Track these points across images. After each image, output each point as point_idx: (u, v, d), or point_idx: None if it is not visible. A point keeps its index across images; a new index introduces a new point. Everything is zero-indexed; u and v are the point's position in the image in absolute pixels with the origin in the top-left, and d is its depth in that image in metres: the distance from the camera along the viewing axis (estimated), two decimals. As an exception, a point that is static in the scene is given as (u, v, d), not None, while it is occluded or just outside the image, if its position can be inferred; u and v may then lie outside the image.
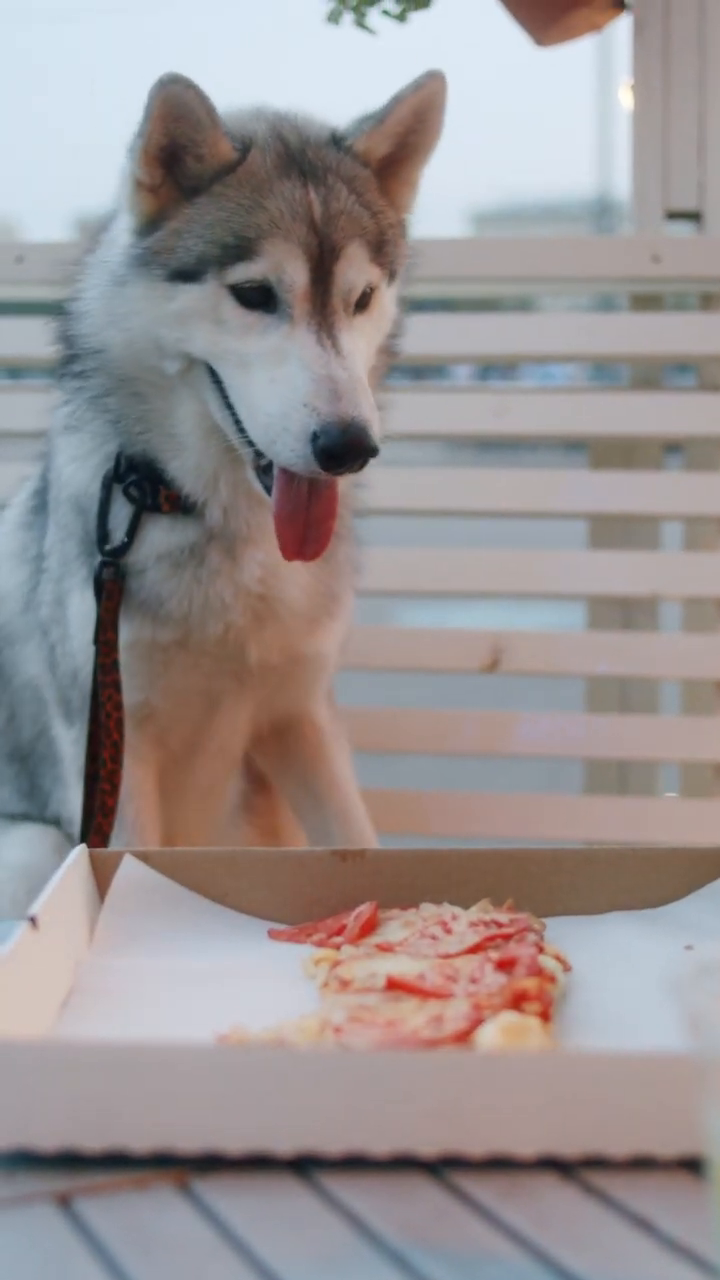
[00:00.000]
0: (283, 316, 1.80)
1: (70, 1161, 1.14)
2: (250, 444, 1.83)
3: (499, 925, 1.48)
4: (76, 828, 2.06)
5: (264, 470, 1.85)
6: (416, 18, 2.68)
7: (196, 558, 1.97)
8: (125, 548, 1.95)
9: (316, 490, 1.83)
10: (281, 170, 1.83)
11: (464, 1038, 1.23)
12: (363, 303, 1.86)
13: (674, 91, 2.80)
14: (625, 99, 2.90)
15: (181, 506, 1.96)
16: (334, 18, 2.67)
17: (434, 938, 1.45)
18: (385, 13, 2.67)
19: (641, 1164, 1.12)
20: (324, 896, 1.61)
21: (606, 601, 2.78)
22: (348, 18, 2.66)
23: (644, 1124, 1.12)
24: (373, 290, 1.87)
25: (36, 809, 2.26)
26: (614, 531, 2.78)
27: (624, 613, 2.76)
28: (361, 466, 1.77)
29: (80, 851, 1.60)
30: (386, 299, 1.92)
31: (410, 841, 2.37)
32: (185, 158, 1.82)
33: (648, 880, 1.62)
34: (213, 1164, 1.14)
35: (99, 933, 1.55)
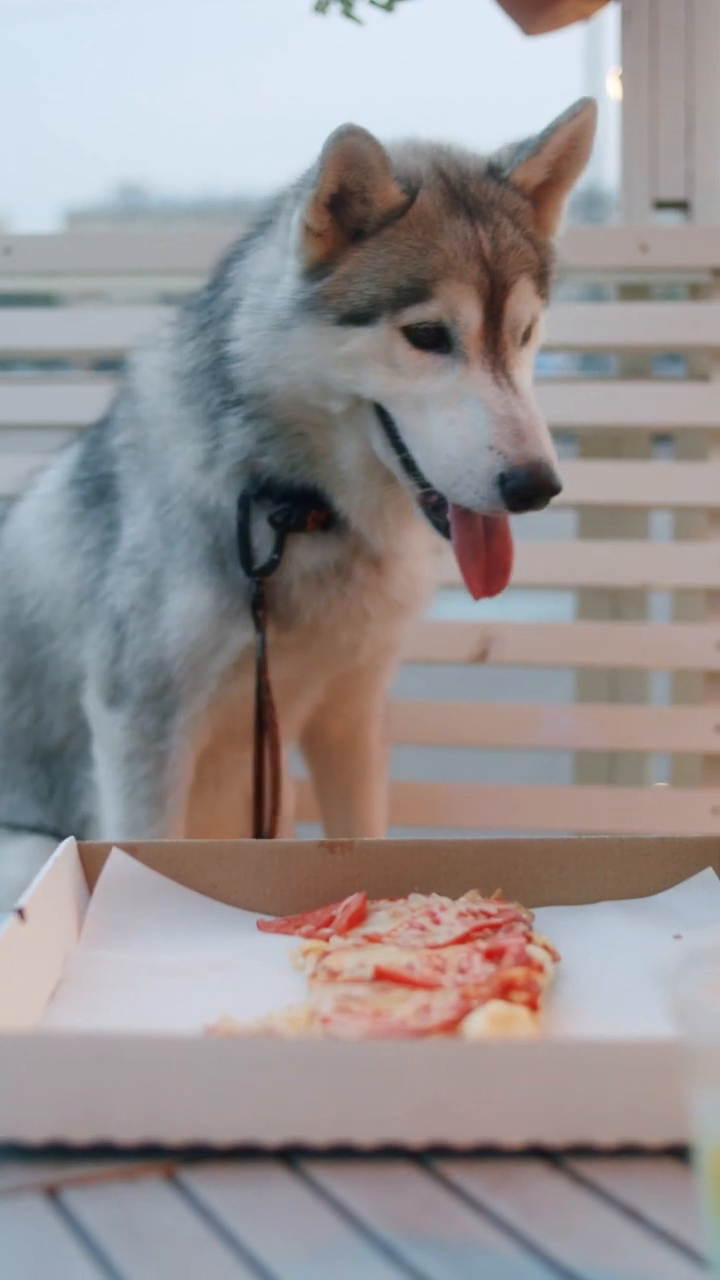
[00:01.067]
0: (457, 356, 1.81)
1: (58, 1153, 1.14)
2: (419, 483, 1.85)
3: (487, 915, 1.48)
4: (109, 833, 2.08)
5: (433, 507, 1.87)
6: (404, 8, 2.68)
7: (342, 574, 2.00)
8: (274, 565, 1.97)
9: (492, 527, 1.85)
10: (449, 210, 1.84)
11: (452, 1027, 1.23)
12: (525, 334, 1.88)
13: (661, 81, 2.79)
14: (613, 88, 2.90)
15: (324, 525, 1.98)
16: (321, 8, 2.66)
17: (422, 928, 1.45)
18: (372, 2, 2.66)
19: (629, 1152, 1.13)
20: (312, 888, 1.61)
21: (596, 592, 2.77)
22: (335, 8, 2.66)
23: (631, 1112, 1.12)
24: (534, 321, 1.89)
25: (53, 814, 2.25)
26: (603, 522, 2.78)
27: (613, 603, 2.76)
28: (545, 505, 1.78)
29: (69, 844, 1.60)
30: (541, 325, 1.93)
31: (399, 832, 2.37)
32: (352, 202, 1.82)
33: (636, 870, 1.62)
34: (200, 1155, 1.14)
35: (87, 925, 1.55)
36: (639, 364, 2.80)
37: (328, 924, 1.51)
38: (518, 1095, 1.12)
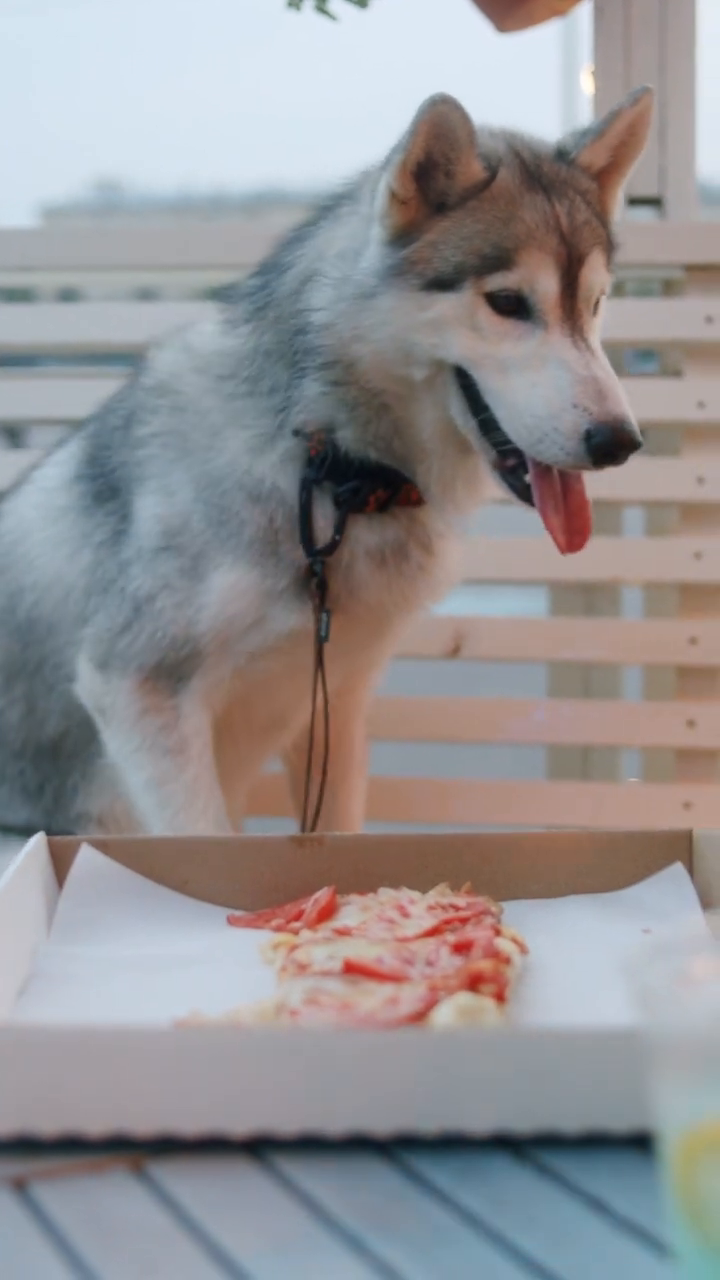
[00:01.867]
0: (536, 323, 1.88)
1: (25, 1146, 1.14)
2: (495, 447, 1.91)
3: (456, 909, 1.48)
4: (138, 795, 2.07)
5: (509, 471, 1.92)
6: (378, 4, 2.68)
7: (400, 553, 2.05)
8: (335, 545, 2.00)
9: (568, 485, 1.90)
10: (528, 186, 1.91)
11: (419, 1019, 1.24)
12: (594, 307, 1.95)
13: (634, 77, 2.80)
14: (586, 84, 2.90)
15: (382, 506, 2.02)
16: (294, 4, 2.66)
17: (391, 921, 1.46)
18: (346, -2, 2.66)
19: (594, 1142, 1.13)
20: (282, 883, 1.61)
21: (568, 587, 2.78)
22: (308, 3, 2.65)
23: (596, 1100, 1.13)
24: (602, 294, 1.96)
25: (42, 812, 2.23)
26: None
27: (586, 598, 2.77)
28: (625, 460, 1.85)
29: (39, 839, 1.60)
30: (604, 301, 1.99)
31: (371, 827, 2.37)
32: (436, 174, 1.89)
33: (606, 864, 1.62)
34: (167, 1147, 1.14)
35: (57, 920, 1.55)
36: (612, 360, 2.80)
37: (297, 918, 1.51)
38: (484, 1084, 1.13)
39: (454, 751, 2.91)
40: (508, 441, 1.89)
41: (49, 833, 2.14)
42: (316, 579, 2.00)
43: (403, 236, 1.90)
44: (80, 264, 2.86)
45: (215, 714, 2.09)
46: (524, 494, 1.92)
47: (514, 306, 1.88)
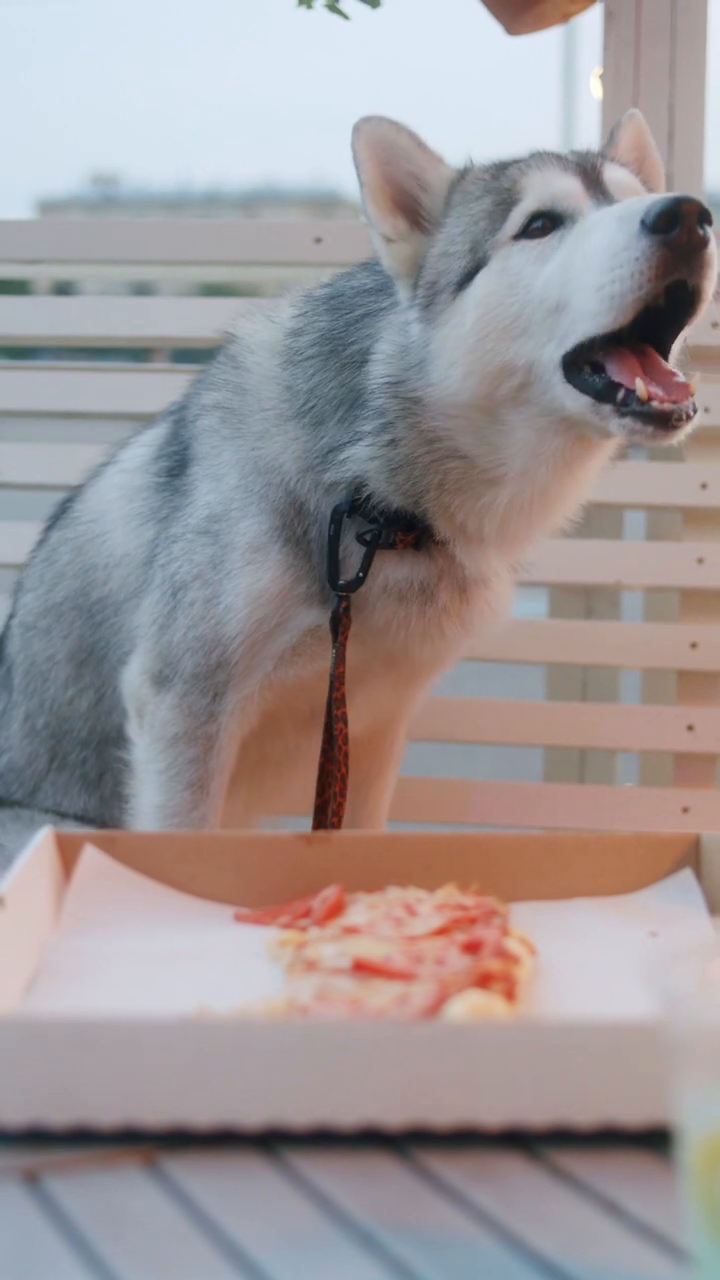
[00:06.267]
0: (573, 219, 1.79)
1: (36, 1138, 1.14)
2: (606, 399, 1.76)
3: (464, 909, 1.48)
4: (144, 815, 2.04)
5: (623, 406, 1.75)
6: (389, 2, 2.67)
7: (426, 594, 1.98)
8: (360, 582, 1.94)
9: (658, 378, 1.75)
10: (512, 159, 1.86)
11: (430, 1016, 1.24)
12: None
13: (643, 82, 2.80)
14: (595, 89, 2.90)
15: (414, 544, 1.95)
16: (306, 1, 2.65)
17: (399, 920, 1.45)
18: (358, -3, 2.65)
19: (607, 1140, 1.13)
20: (290, 881, 1.60)
21: (569, 589, 2.78)
22: (320, 1, 2.65)
23: (610, 1092, 1.13)
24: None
25: (98, 801, 2.22)
26: (577, 520, 2.78)
27: (586, 601, 2.77)
28: (702, 232, 1.67)
29: (47, 832, 1.59)
30: None
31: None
32: (416, 196, 1.85)
33: (611, 866, 1.62)
34: (180, 1141, 1.14)
35: (65, 915, 1.54)
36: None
37: (305, 915, 1.51)
38: (497, 1076, 1.13)
39: (451, 751, 2.91)
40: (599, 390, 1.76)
41: (104, 822, 2.13)
42: (333, 615, 1.94)
43: (419, 272, 1.85)
44: (77, 257, 2.86)
45: (245, 737, 2.06)
46: (646, 418, 1.73)
47: (548, 226, 1.79)
